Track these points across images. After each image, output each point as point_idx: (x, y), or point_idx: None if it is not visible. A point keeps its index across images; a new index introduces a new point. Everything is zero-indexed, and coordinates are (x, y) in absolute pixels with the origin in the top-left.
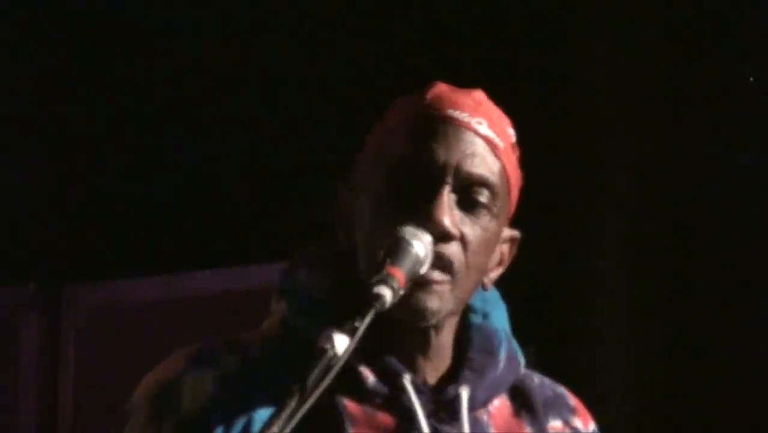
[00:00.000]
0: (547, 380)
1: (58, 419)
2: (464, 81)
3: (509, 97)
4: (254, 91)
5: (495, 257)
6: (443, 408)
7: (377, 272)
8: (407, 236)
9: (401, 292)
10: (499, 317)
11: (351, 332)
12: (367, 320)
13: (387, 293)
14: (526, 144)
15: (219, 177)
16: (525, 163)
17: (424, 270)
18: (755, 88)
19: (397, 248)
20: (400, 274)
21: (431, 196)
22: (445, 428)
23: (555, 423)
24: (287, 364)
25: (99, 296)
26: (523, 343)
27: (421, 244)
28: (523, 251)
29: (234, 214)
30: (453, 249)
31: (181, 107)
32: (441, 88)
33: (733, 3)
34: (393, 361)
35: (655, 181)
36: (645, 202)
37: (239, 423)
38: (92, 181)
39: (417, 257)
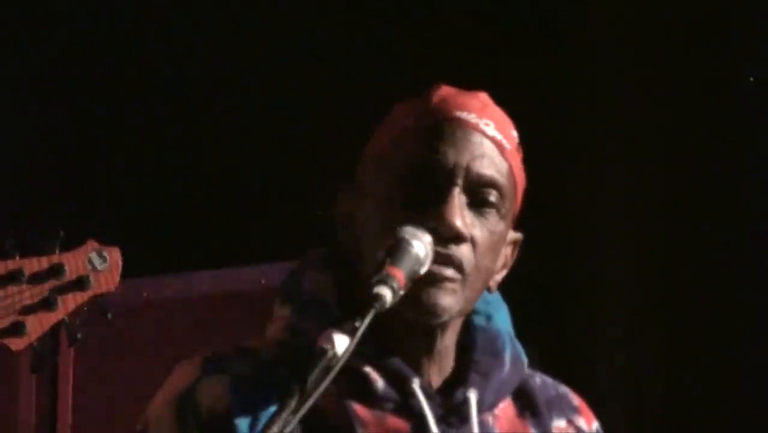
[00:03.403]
0: (549, 380)
1: (58, 419)
2: (464, 82)
3: (510, 97)
4: (254, 92)
5: (500, 260)
6: (453, 412)
7: (377, 272)
8: (407, 236)
9: (401, 292)
10: (502, 319)
11: (351, 332)
12: (367, 320)
13: (387, 293)
14: (526, 144)
15: (219, 177)
16: (525, 163)
17: (423, 270)
18: (755, 88)
19: (397, 248)
20: (400, 274)
21: (442, 197)
22: (455, 432)
23: (559, 423)
24: (297, 367)
25: None
26: (524, 344)
27: (421, 244)
28: (524, 251)
29: (234, 214)
30: (464, 251)
31: (181, 107)
32: (446, 91)
33: (733, 3)
34: (401, 364)
35: (656, 181)
36: (645, 203)
37: (262, 420)
38: (92, 181)
39: (417, 257)
